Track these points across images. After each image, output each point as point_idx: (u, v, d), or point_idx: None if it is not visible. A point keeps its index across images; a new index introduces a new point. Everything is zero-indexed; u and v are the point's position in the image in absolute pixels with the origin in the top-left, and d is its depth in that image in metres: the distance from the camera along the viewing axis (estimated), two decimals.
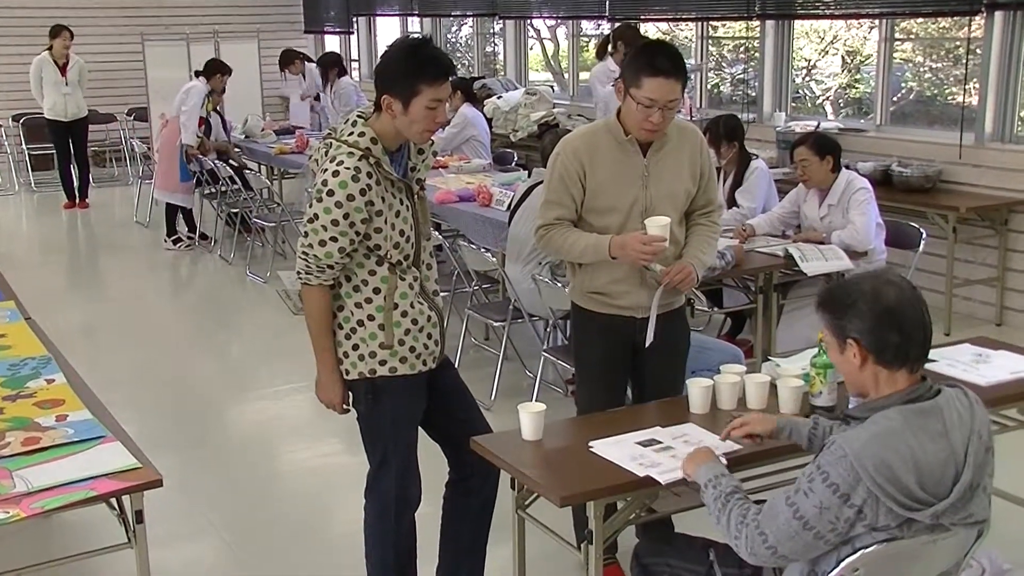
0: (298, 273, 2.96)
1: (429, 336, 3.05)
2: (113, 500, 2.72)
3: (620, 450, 2.76)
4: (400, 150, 2.98)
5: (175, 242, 8.89)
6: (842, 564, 2.19)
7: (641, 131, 3.17)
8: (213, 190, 8.77)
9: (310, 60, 10.81)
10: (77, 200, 10.71)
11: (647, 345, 3.31)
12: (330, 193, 2.82)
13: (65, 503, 2.59)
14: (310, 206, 2.88)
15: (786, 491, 2.26)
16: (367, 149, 2.86)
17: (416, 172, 3.04)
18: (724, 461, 2.58)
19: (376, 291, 2.97)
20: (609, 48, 7.59)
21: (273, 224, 8.22)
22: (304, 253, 2.90)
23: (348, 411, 3.10)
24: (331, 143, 2.94)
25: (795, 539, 2.21)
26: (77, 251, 9.79)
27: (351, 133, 2.90)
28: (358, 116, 2.95)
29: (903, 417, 2.20)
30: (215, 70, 8.68)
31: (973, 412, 2.27)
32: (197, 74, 8.77)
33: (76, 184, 10.69)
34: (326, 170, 2.85)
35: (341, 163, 2.83)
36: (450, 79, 2.92)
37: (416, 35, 3.12)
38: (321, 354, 3.02)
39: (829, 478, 2.16)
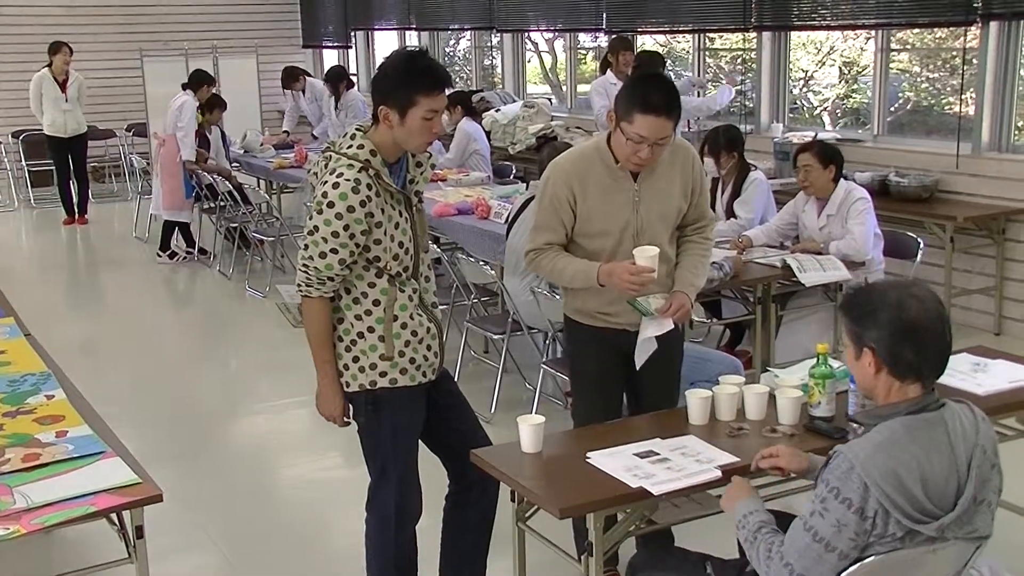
0: (298, 286, 2.96)
1: (429, 348, 3.06)
2: (113, 515, 2.72)
3: (616, 461, 2.77)
4: (399, 162, 2.99)
5: (171, 256, 8.95)
6: (843, 575, 2.19)
7: (629, 163, 3.17)
8: (212, 205, 8.80)
9: (309, 75, 10.84)
10: (76, 216, 10.72)
11: (637, 369, 3.31)
12: (330, 205, 2.83)
13: (65, 519, 2.59)
14: (310, 218, 2.90)
15: (802, 516, 2.25)
16: (366, 161, 2.88)
17: (414, 184, 3.06)
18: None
19: (376, 303, 2.97)
20: (610, 59, 7.63)
21: (272, 238, 8.23)
22: (304, 265, 2.91)
23: (348, 424, 3.10)
24: (331, 156, 2.95)
25: (820, 562, 2.20)
26: (77, 267, 9.78)
27: (350, 146, 2.92)
28: (357, 129, 2.97)
29: (906, 427, 2.20)
30: (200, 81, 8.79)
31: (978, 428, 2.26)
32: (183, 87, 8.84)
33: (75, 200, 10.70)
34: (326, 182, 2.87)
35: (341, 175, 2.85)
36: (447, 91, 2.94)
37: (413, 47, 3.12)
38: (322, 367, 3.02)
39: (841, 494, 2.16)
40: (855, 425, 2.39)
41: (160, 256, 8.96)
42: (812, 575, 2.22)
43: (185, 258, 8.94)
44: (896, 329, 2.22)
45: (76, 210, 10.72)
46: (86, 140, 10.68)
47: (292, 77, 10.38)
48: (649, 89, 3.09)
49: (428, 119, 2.88)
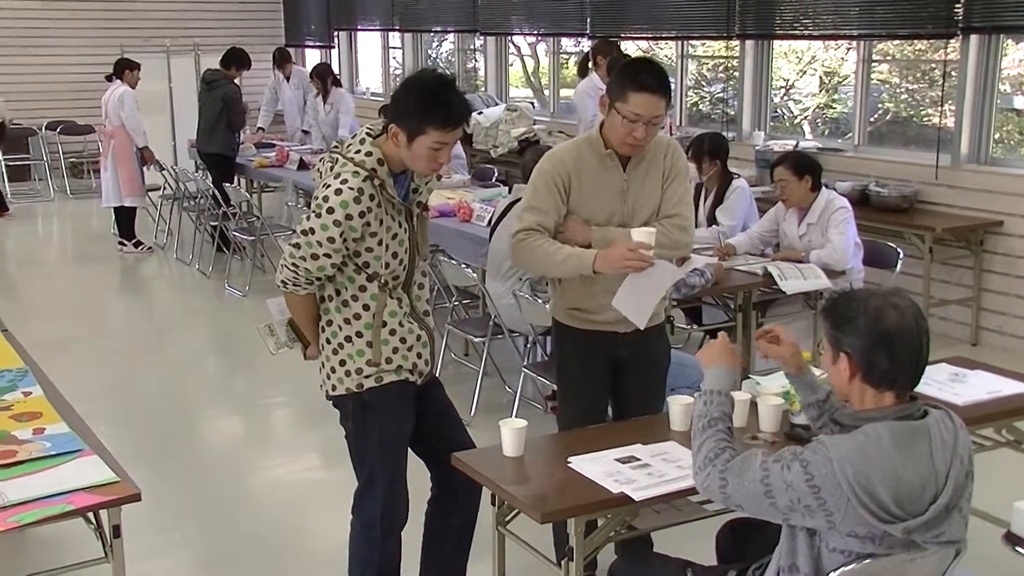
0: (283, 283, 2.95)
1: (419, 355, 3.05)
2: (90, 514, 2.70)
3: (597, 466, 2.77)
4: (405, 172, 2.95)
5: (136, 245, 9.12)
6: None
7: (624, 145, 3.19)
8: (193, 203, 8.77)
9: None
10: None
11: (613, 305, 3.20)
12: (330, 211, 2.81)
13: (41, 517, 2.56)
14: (307, 219, 2.87)
15: (764, 454, 2.28)
16: (372, 170, 2.85)
17: (418, 194, 3.03)
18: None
19: (365, 307, 2.96)
20: (590, 64, 7.64)
21: (253, 238, 8.18)
22: (294, 264, 2.89)
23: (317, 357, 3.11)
24: (336, 159, 2.91)
25: (753, 499, 2.25)
26: (53, 263, 9.70)
27: (358, 151, 2.88)
28: (367, 133, 2.93)
29: (891, 433, 2.22)
30: (124, 68, 9.12)
31: (957, 436, 2.29)
32: (108, 78, 9.13)
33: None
34: (328, 186, 2.84)
35: (345, 181, 2.82)
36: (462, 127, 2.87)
37: (443, 73, 3.03)
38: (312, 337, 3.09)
39: (808, 468, 2.19)
40: (840, 426, 2.41)
41: (125, 245, 9.12)
42: (738, 501, 2.27)
43: (150, 248, 9.11)
44: (872, 337, 2.25)
45: None
46: None
47: (286, 58, 10.47)
48: (640, 69, 3.16)
49: (435, 149, 2.84)
